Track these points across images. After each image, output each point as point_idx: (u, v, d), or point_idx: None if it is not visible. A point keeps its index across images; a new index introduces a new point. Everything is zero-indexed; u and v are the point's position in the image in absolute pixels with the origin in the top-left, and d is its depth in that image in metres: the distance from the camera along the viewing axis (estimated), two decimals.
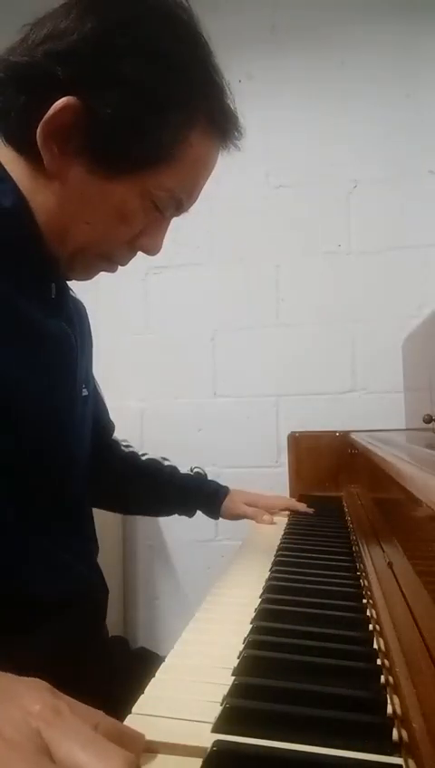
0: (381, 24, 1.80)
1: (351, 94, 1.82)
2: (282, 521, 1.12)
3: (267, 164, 1.86)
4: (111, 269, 0.72)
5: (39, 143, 0.58)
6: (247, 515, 1.13)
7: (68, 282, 0.73)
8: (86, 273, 0.71)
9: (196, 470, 1.15)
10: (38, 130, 0.57)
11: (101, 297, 1.84)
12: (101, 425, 0.96)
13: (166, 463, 1.12)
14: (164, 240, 0.71)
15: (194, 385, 1.87)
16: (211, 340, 1.88)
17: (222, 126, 0.65)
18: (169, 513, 1.16)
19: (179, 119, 0.60)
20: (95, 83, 0.57)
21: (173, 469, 1.11)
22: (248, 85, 1.82)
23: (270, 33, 1.87)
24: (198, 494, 1.11)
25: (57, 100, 0.56)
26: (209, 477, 1.16)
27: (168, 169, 0.62)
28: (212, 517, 1.14)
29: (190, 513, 1.13)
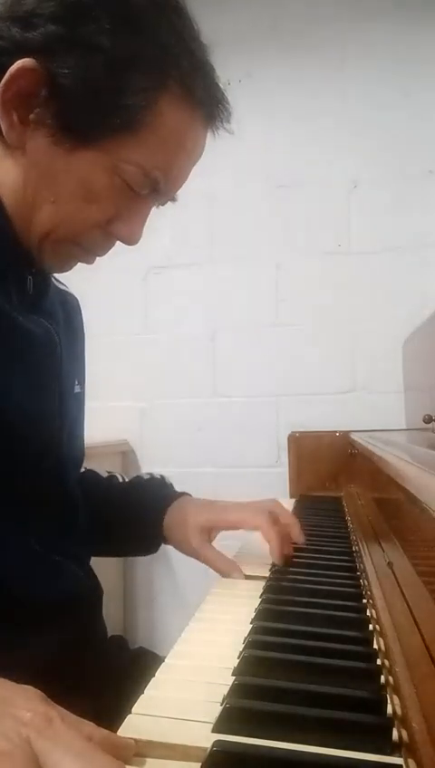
0: (381, 23, 1.80)
1: (351, 94, 1.82)
2: None
3: (267, 164, 1.86)
4: (87, 259, 0.66)
5: None
6: (203, 558, 0.77)
7: (59, 276, 0.70)
8: (58, 262, 0.65)
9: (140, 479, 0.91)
10: None
11: (102, 297, 1.84)
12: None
13: (106, 475, 0.89)
14: (143, 230, 0.65)
15: (194, 385, 1.87)
16: (211, 340, 1.88)
17: (200, 99, 0.60)
18: (116, 548, 0.88)
19: (144, 82, 0.56)
20: (55, 45, 0.54)
21: (112, 479, 0.89)
22: (248, 85, 1.82)
23: (270, 32, 1.87)
24: (137, 502, 0.84)
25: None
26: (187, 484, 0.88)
27: (135, 139, 0.57)
28: (148, 550, 0.85)
29: (137, 549, 0.86)
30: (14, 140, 0.57)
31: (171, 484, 0.90)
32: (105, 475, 0.90)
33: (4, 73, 0.54)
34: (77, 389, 0.75)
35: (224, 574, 0.74)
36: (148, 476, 0.92)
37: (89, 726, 0.34)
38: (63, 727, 0.32)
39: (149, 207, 0.65)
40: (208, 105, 0.61)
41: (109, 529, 0.82)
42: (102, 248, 0.66)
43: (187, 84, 0.58)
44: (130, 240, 0.64)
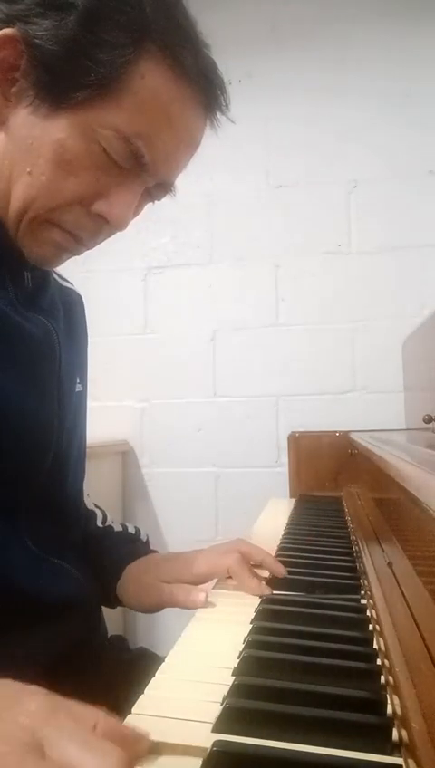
0: (381, 23, 1.80)
1: (351, 94, 1.82)
2: (282, 520, 1.12)
3: (267, 164, 1.86)
4: (73, 247, 0.62)
5: None
6: (174, 601, 0.67)
7: (60, 271, 0.70)
8: (38, 248, 0.61)
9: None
10: None
11: (101, 297, 1.84)
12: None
13: (102, 526, 0.83)
14: (130, 213, 0.61)
15: (194, 385, 1.87)
16: (211, 340, 1.88)
17: (189, 70, 0.57)
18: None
19: (120, 39, 0.54)
20: (32, 12, 0.54)
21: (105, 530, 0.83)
22: (248, 84, 1.83)
23: (270, 32, 1.87)
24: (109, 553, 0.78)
25: None
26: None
27: (111, 101, 0.55)
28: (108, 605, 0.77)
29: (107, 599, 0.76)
30: None
31: (143, 540, 0.83)
32: (102, 526, 0.83)
33: None
34: (78, 388, 0.74)
35: (189, 606, 0.65)
36: (120, 529, 0.83)
37: (97, 715, 0.33)
38: (68, 717, 0.32)
39: (135, 187, 0.60)
40: (200, 81, 0.59)
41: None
42: (88, 232, 0.61)
43: (171, 51, 0.56)
44: (116, 221, 0.60)
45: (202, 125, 0.62)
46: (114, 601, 0.76)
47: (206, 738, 0.36)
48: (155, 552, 0.81)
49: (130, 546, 0.80)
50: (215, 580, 0.71)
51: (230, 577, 0.69)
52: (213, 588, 0.70)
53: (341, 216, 1.82)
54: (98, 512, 0.84)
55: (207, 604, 0.63)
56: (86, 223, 0.60)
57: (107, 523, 0.83)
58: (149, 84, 0.55)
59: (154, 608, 0.71)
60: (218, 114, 0.62)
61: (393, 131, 1.79)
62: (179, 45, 0.56)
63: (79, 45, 0.54)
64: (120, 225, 0.61)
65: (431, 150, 1.76)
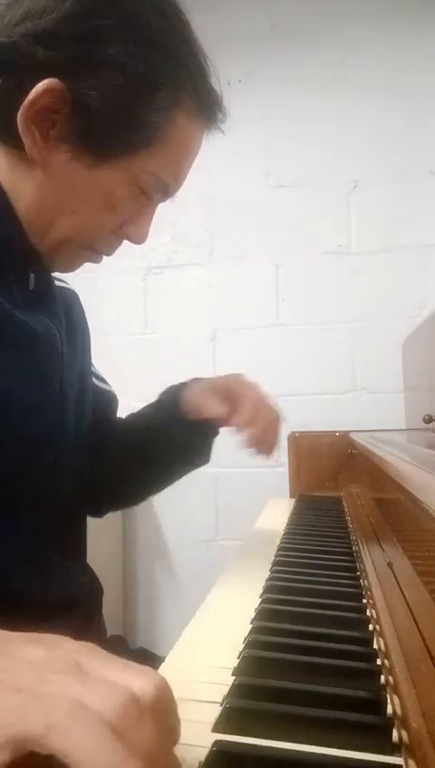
0: (381, 23, 1.80)
1: (351, 94, 1.82)
2: (282, 520, 1.12)
3: (267, 164, 1.86)
4: (96, 259, 0.69)
5: (20, 129, 0.56)
6: (197, 404, 0.80)
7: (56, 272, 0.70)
8: (70, 264, 0.68)
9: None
10: (19, 115, 0.55)
11: (101, 297, 1.84)
12: (102, 418, 0.83)
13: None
14: (149, 229, 0.69)
15: None
16: (211, 340, 1.88)
17: (207, 106, 0.63)
18: (163, 465, 0.86)
19: (166, 101, 0.59)
20: (78, 65, 0.55)
21: (130, 416, 0.91)
22: (248, 85, 1.83)
23: (270, 32, 1.87)
24: (163, 415, 0.85)
25: (38, 83, 0.54)
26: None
27: (154, 152, 0.60)
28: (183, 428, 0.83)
29: (182, 452, 0.86)
30: (35, 156, 0.58)
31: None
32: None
33: (25, 89, 0.55)
34: (76, 387, 0.74)
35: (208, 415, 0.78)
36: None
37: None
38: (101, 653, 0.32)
39: (154, 208, 0.68)
40: (210, 109, 0.64)
41: (146, 443, 0.85)
42: (112, 248, 0.68)
43: (198, 97, 0.61)
44: (140, 240, 0.67)
45: (202, 138, 0.67)
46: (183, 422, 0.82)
47: (206, 738, 0.36)
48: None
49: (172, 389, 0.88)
50: None
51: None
52: (213, 588, 0.70)
53: (341, 216, 1.82)
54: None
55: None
56: (114, 242, 0.67)
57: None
58: (181, 132, 0.61)
59: (194, 412, 0.81)
60: (215, 126, 0.66)
61: (393, 131, 1.79)
62: (202, 89, 0.62)
63: (127, 108, 0.57)
64: (143, 241, 0.68)
65: (431, 150, 1.76)
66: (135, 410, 0.92)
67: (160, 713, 0.28)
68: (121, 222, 0.64)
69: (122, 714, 0.26)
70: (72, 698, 0.26)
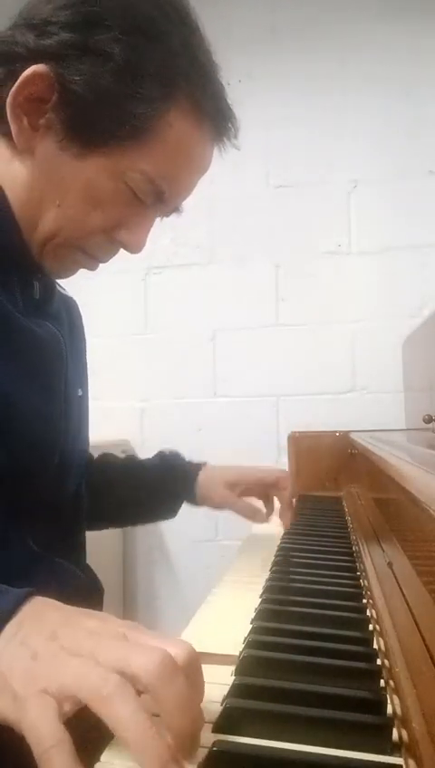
0: (381, 23, 1.80)
1: (351, 94, 1.82)
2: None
3: (267, 164, 1.86)
4: (90, 265, 0.67)
5: (8, 116, 0.56)
6: (234, 507, 0.89)
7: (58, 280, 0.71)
8: (61, 267, 0.66)
9: (164, 452, 0.96)
10: (7, 101, 0.56)
11: (101, 297, 1.84)
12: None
13: (123, 456, 0.96)
14: (147, 239, 0.66)
15: (194, 385, 1.87)
16: (211, 340, 1.88)
17: (209, 113, 0.61)
18: (141, 517, 0.94)
19: (154, 93, 0.57)
20: (66, 52, 0.55)
21: (130, 459, 0.96)
22: (248, 85, 1.82)
23: (270, 33, 1.87)
24: (165, 482, 0.90)
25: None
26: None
27: (142, 148, 0.58)
28: (192, 504, 0.92)
29: (167, 511, 0.92)
30: (23, 144, 0.58)
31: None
32: (123, 455, 0.97)
33: (17, 76, 0.55)
34: (80, 393, 0.75)
35: (250, 518, 0.88)
36: (169, 451, 0.98)
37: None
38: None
39: (153, 216, 0.66)
40: (216, 121, 0.62)
41: (135, 494, 0.89)
42: (106, 255, 0.67)
43: (196, 98, 0.59)
44: (135, 248, 0.65)
45: (212, 151, 0.66)
46: (183, 498, 0.91)
47: (206, 738, 0.36)
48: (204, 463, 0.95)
49: (189, 461, 0.95)
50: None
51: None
52: (213, 588, 0.70)
53: (341, 216, 1.82)
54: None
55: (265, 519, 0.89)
56: (108, 248, 0.65)
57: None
58: (176, 132, 0.59)
59: (220, 507, 0.91)
60: (226, 141, 0.65)
61: (393, 131, 1.79)
62: (202, 90, 0.60)
63: (115, 97, 0.56)
64: (138, 250, 0.66)
65: (431, 150, 1.76)
66: (128, 453, 0.99)
67: (191, 671, 0.34)
68: (113, 224, 0.63)
69: (162, 669, 0.32)
70: (120, 676, 0.31)
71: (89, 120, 0.57)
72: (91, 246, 0.64)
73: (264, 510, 0.92)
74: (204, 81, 0.60)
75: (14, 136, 0.57)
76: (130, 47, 0.55)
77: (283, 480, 0.92)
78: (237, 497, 0.90)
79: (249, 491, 0.93)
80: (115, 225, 0.63)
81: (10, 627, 0.36)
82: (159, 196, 0.62)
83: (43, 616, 0.37)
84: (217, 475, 0.91)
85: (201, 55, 0.60)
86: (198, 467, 0.92)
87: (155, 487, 0.90)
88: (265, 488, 0.94)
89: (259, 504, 0.94)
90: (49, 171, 0.59)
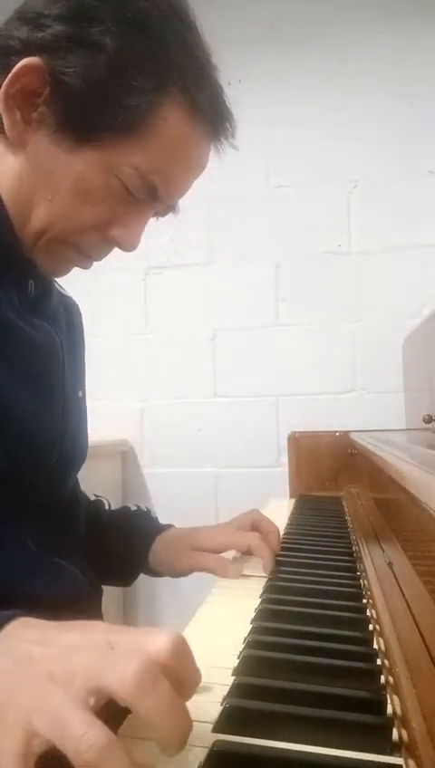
0: (381, 23, 1.80)
1: (351, 94, 1.82)
2: (282, 521, 1.11)
3: (267, 164, 1.86)
4: (84, 263, 0.66)
5: (1, 108, 0.56)
6: (206, 568, 0.76)
7: (60, 280, 0.71)
8: (53, 264, 0.65)
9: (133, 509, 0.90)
10: (0, 95, 0.56)
11: (101, 297, 1.84)
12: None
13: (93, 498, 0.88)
14: (141, 237, 0.65)
15: (194, 385, 1.87)
16: (211, 340, 1.88)
17: (204, 110, 0.60)
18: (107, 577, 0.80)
19: (148, 84, 0.56)
20: (58, 44, 0.55)
21: (99, 504, 0.88)
22: (248, 85, 1.82)
23: (270, 32, 1.87)
24: (125, 534, 0.83)
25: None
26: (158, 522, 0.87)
27: (135, 142, 0.58)
28: (147, 574, 0.83)
29: (124, 577, 0.84)
30: (15, 138, 0.58)
31: (156, 518, 0.90)
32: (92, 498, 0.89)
33: (10, 70, 0.55)
34: (80, 394, 0.75)
35: (220, 574, 0.73)
36: (135, 508, 0.92)
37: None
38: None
39: (147, 214, 0.65)
40: (213, 119, 0.62)
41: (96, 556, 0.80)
42: (99, 252, 0.66)
43: (190, 94, 0.59)
44: (128, 246, 0.64)
45: (208, 151, 0.65)
46: (139, 568, 0.83)
47: (206, 738, 0.36)
48: (172, 525, 0.87)
49: (155, 521, 0.89)
50: (234, 553, 0.80)
51: (249, 552, 0.76)
52: (213, 588, 0.70)
53: (341, 216, 1.82)
54: (104, 500, 0.89)
55: (234, 574, 0.73)
56: (101, 245, 0.64)
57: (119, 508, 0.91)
58: (169, 126, 0.58)
59: (186, 572, 0.79)
60: (223, 140, 0.65)
61: (393, 131, 1.79)
62: (197, 85, 0.59)
63: (107, 89, 0.56)
64: (132, 248, 0.65)
65: (431, 150, 1.76)
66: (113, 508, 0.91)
67: (179, 662, 0.33)
68: (105, 220, 0.62)
69: (140, 679, 0.30)
70: (94, 732, 0.29)
71: (81, 113, 0.56)
72: (84, 243, 0.63)
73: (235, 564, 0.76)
74: (199, 76, 0.60)
75: (6, 129, 0.57)
76: (122, 39, 0.55)
77: (264, 523, 0.80)
78: (200, 553, 0.77)
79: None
80: (108, 221, 0.62)
81: None
82: (152, 193, 0.61)
83: (23, 635, 0.37)
84: (180, 542, 0.80)
85: (197, 52, 0.60)
86: (156, 531, 0.83)
87: (108, 551, 0.82)
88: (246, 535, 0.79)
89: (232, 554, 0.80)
90: (41, 165, 0.58)
